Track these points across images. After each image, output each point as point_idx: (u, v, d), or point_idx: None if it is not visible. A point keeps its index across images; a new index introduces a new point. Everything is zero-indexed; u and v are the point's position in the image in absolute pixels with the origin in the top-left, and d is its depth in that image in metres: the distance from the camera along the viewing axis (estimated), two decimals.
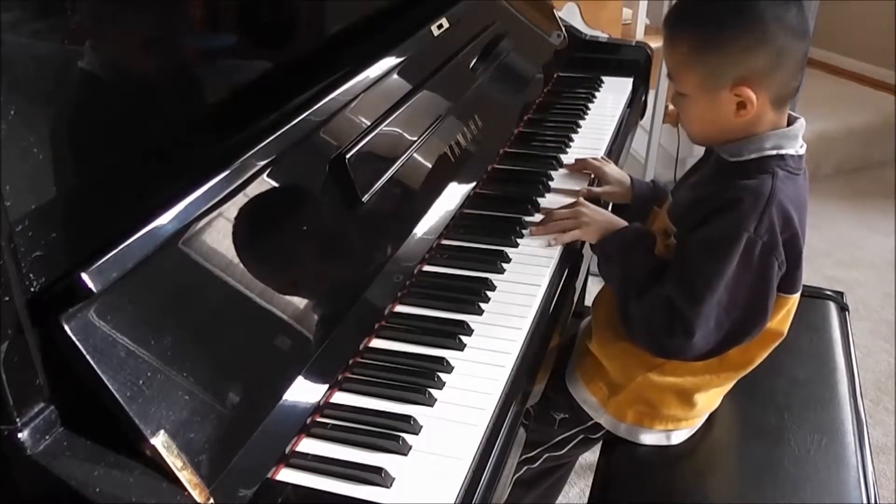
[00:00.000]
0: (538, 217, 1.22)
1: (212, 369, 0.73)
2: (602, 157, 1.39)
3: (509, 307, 1.01)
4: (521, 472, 1.23)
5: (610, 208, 1.31)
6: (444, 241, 1.14)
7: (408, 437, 0.80)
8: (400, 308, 1.01)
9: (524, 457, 1.20)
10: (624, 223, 1.14)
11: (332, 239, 0.96)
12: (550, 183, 1.33)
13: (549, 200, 1.28)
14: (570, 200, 1.22)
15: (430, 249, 1.11)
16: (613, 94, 1.70)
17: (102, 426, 0.65)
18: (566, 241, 1.14)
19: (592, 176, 1.35)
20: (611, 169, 1.35)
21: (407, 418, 0.82)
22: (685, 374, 1.10)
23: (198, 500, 0.66)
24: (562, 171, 1.37)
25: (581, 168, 1.36)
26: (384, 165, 1.05)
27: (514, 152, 1.43)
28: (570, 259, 1.15)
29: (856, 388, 1.26)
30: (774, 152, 1.01)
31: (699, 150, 1.19)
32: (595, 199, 1.27)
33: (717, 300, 0.97)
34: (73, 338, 0.63)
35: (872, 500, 1.07)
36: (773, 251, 0.98)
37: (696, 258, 0.99)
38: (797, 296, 1.07)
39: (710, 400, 1.15)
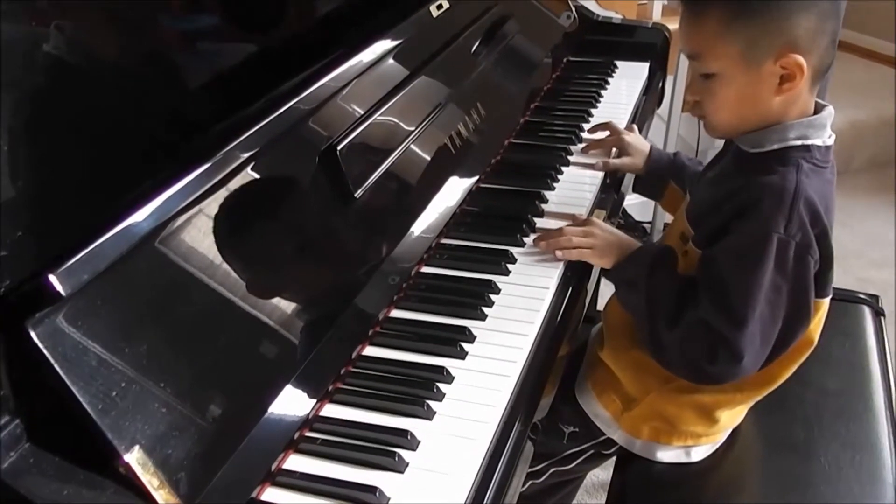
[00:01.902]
0: (545, 215, 1.22)
1: (191, 380, 0.73)
2: (627, 127, 1.41)
3: (515, 312, 1.01)
4: (525, 486, 1.23)
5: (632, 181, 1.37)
6: (444, 240, 1.14)
7: (404, 454, 0.80)
8: (396, 313, 1.01)
9: (528, 470, 1.20)
10: (638, 244, 1.11)
11: (322, 237, 0.96)
12: (560, 176, 1.33)
13: (557, 195, 1.28)
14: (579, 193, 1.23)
15: (429, 249, 1.11)
16: (628, 80, 1.70)
17: (72, 441, 0.65)
18: (572, 257, 1.11)
19: (614, 149, 1.38)
20: (631, 138, 1.37)
21: (404, 433, 0.82)
22: (706, 388, 1.08)
23: None
24: (573, 162, 1.37)
25: (602, 132, 1.38)
26: (378, 158, 1.05)
27: (520, 143, 1.43)
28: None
29: (892, 399, 1.26)
30: (799, 142, 0.99)
31: (722, 142, 1.18)
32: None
33: (760, 315, 0.95)
34: (41, 345, 0.63)
35: None
36: (808, 249, 0.96)
37: (727, 273, 0.96)
38: (828, 300, 1.06)
39: (733, 415, 1.15)
